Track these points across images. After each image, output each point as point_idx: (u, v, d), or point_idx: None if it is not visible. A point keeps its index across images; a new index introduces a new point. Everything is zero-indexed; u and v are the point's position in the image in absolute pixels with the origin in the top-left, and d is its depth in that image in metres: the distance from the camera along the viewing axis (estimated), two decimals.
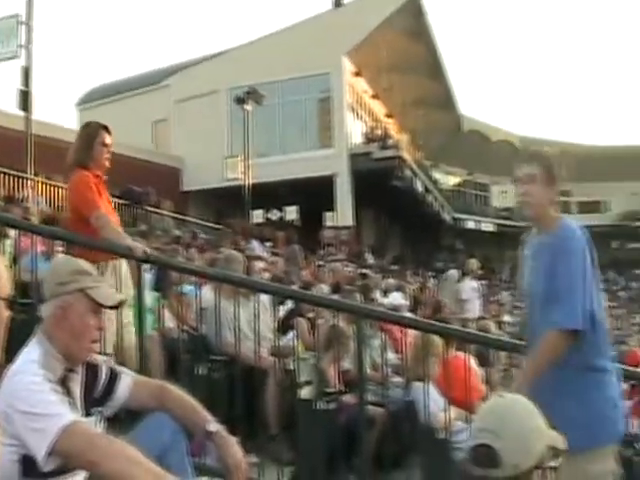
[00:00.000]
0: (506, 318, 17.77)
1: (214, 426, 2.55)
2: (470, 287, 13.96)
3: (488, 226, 46.15)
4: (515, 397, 2.03)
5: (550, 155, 3.47)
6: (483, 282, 14.43)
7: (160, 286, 6.05)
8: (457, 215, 43.83)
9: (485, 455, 1.85)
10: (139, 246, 4.90)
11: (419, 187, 31.73)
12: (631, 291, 55.23)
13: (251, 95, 23.55)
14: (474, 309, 13.76)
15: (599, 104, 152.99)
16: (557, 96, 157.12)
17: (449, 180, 50.51)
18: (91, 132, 4.95)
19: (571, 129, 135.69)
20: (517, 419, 1.91)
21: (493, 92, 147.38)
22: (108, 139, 4.93)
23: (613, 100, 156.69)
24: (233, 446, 2.52)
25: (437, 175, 43.69)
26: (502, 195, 56.61)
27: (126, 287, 4.74)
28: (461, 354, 4.99)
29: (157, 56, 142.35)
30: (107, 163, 4.94)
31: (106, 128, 4.96)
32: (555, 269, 3.13)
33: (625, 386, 6.46)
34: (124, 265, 4.84)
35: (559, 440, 1.95)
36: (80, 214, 4.78)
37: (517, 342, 4.19)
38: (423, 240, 41.04)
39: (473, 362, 5.32)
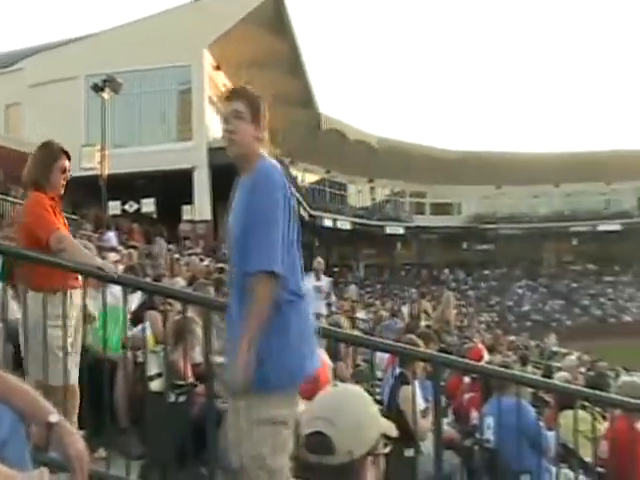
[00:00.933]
0: (360, 315, 18.10)
1: (55, 417, 2.48)
2: (313, 286, 13.94)
3: (345, 224, 47.00)
4: (349, 387, 2.08)
5: (255, 92, 3.43)
6: (330, 280, 14.47)
7: (5, 276, 5.80)
8: (314, 213, 44.32)
9: (319, 442, 1.88)
10: (110, 265, 4.71)
11: None
12: (479, 291, 57.54)
13: (109, 83, 22.97)
14: (318, 308, 13.82)
15: (454, 110, 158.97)
16: (415, 99, 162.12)
17: (307, 178, 51.08)
18: (50, 154, 4.63)
19: (427, 133, 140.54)
20: (351, 408, 1.94)
21: (352, 92, 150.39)
22: (67, 164, 4.64)
23: (467, 106, 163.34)
24: (73, 436, 2.45)
25: (295, 172, 44.04)
26: (359, 194, 57.86)
27: None
28: None
29: (11, 38, 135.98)
30: (63, 188, 4.63)
31: (66, 153, 4.69)
32: (252, 203, 3.02)
33: (467, 379, 6.78)
34: None
35: (391, 428, 2.02)
36: (35, 237, 4.38)
37: (368, 337, 4.31)
38: None
39: (325, 356, 5.41)
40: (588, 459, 5.36)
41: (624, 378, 6.95)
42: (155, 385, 5.12)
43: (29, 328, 4.26)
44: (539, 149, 77.55)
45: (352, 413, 1.93)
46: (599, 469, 5.32)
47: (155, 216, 27.73)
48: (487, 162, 57.16)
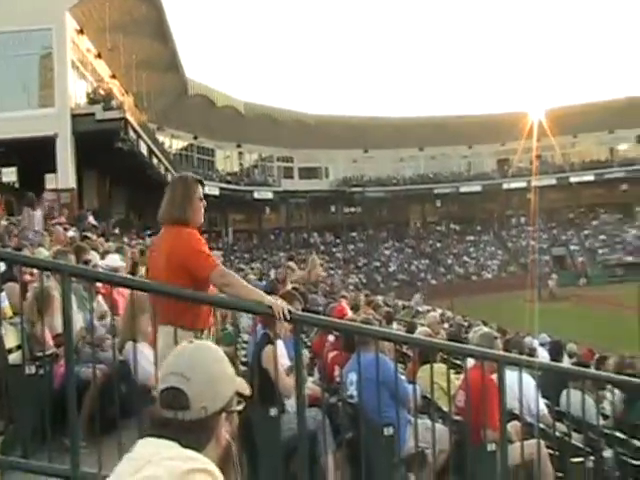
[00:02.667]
0: None
1: None
2: None
3: (213, 190, 46.60)
4: (205, 343, 2.11)
5: None
6: None
7: None
8: None
9: (174, 397, 1.90)
10: (281, 304, 4.36)
11: (144, 150, 31.22)
12: (347, 253, 58.49)
13: None
14: None
15: (322, 73, 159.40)
16: (282, 63, 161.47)
17: (175, 144, 50.30)
18: (188, 188, 4.41)
19: (295, 97, 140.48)
20: (205, 364, 1.97)
21: (219, 57, 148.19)
22: (202, 192, 4.45)
23: (336, 69, 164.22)
24: None
25: (162, 138, 43.26)
26: (226, 159, 57.46)
27: None
28: None
29: None
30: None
31: (201, 181, 4.50)
32: None
33: (331, 338, 6.94)
34: None
35: (245, 387, 2.07)
36: (189, 273, 4.15)
37: (231, 299, 4.31)
38: (149, 203, 40.42)
39: None
40: (446, 409, 5.64)
41: (477, 329, 7.29)
42: (14, 358, 4.98)
43: None
44: (404, 113, 79.27)
45: (206, 369, 1.95)
46: (456, 417, 5.62)
47: (17, 185, 26.65)
48: (354, 126, 57.95)
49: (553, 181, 63.05)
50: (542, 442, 5.37)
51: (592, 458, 5.75)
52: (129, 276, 7.44)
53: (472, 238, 61.72)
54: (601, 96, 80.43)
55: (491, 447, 4.83)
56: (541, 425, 5.91)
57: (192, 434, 1.88)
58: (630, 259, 55.24)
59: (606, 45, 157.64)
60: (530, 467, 5.22)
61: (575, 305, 40.27)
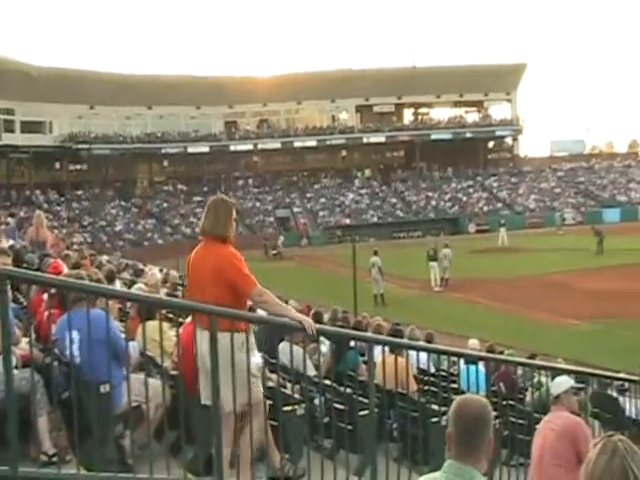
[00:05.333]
0: None
1: None
2: None
3: None
4: None
5: None
6: None
7: None
8: None
9: None
10: (309, 320, 5.15)
11: None
12: (72, 212, 56.38)
13: None
14: None
15: (48, 24, 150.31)
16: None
17: None
18: (229, 208, 5.28)
19: (20, 47, 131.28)
20: None
21: None
22: None
23: (64, 22, 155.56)
24: None
25: None
26: None
27: None
28: None
29: None
30: None
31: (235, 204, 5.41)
32: None
33: (45, 296, 6.65)
34: None
35: None
36: (234, 288, 4.90)
37: None
38: None
39: None
40: (166, 364, 5.68)
41: None
42: None
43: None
44: (132, 71, 77.30)
45: None
46: (173, 372, 5.69)
47: None
48: (79, 81, 55.60)
49: (278, 145, 65.04)
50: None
51: (303, 406, 6.10)
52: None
53: (199, 199, 61.95)
54: (324, 66, 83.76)
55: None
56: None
57: None
58: (348, 222, 58.67)
59: (332, 18, 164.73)
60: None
61: (298, 264, 42.05)
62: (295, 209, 61.88)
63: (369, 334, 8.94)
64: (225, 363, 4.66)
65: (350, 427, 5.97)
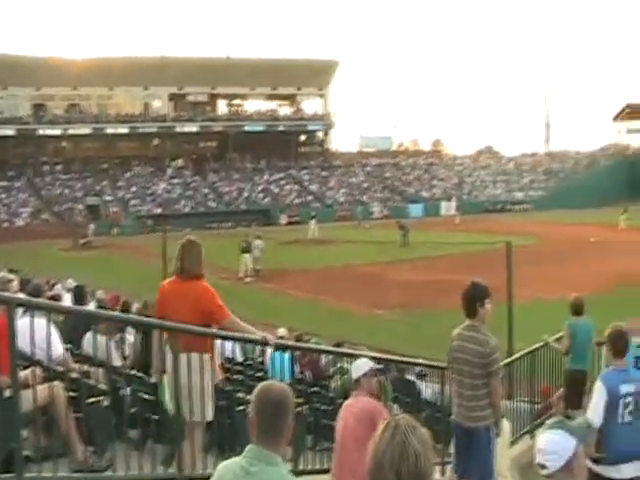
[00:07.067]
0: None
1: None
2: None
3: None
4: None
5: None
6: None
7: None
8: None
9: None
10: (269, 335, 6.36)
11: None
12: None
13: None
14: None
15: None
16: None
17: None
18: (200, 248, 6.05)
19: None
20: None
21: None
22: None
23: None
24: None
25: None
26: None
27: None
28: None
29: None
30: None
31: None
32: None
33: None
34: None
35: None
36: (210, 317, 5.82)
37: None
38: None
39: None
40: None
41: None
42: None
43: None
44: None
45: None
46: None
47: None
48: None
49: (89, 130, 62.97)
50: (60, 385, 5.47)
51: (109, 397, 6.04)
52: None
53: (4, 184, 58.77)
54: (138, 52, 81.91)
55: (6, 393, 4.79)
56: (60, 368, 6.03)
57: None
58: (159, 211, 57.78)
59: (148, 3, 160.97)
60: (50, 411, 5.31)
61: (108, 254, 40.96)
62: (106, 197, 60.10)
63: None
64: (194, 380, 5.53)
65: (157, 417, 5.99)
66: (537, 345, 10.26)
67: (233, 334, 6.22)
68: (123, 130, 64.29)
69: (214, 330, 5.92)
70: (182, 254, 5.98)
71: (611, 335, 6.17)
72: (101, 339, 6.43)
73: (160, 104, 68.41)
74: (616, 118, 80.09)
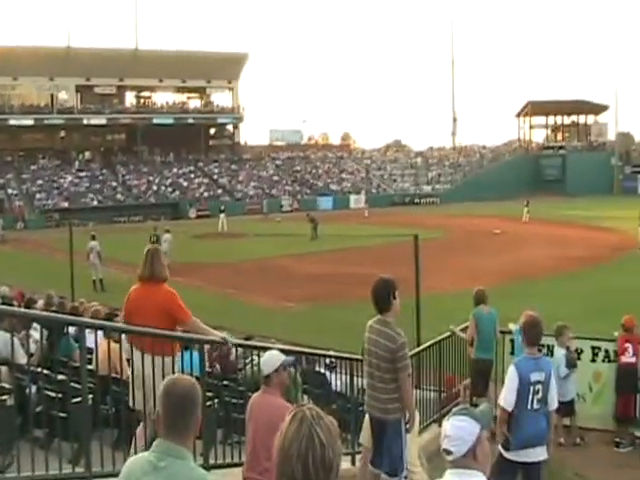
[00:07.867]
0: None
1: None
2: None
3: None
4: None
5: None
6: None
7: None
8: None
9: None
10: (227, 337, 7.02)
11: None
12: None
13: None
14: None
15: None
16: None
17: None
18: (161, 254, 6.60)
19: None
20: None
21: None
22: None
23: None
24: None
25: None
26: None
27: None
28: None
29: None
30: None
31: None
32: None
33: None
34: None
35: None
36: (173, 319, 6.27)
37: None
38: None
39: None
40: None
41: None
42: None
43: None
44: None
45: None
46: None
47: None
48: None
49: None
50: None
51: (13, 396, 5.91)
52: None
53: None
54: (43, 41, 79.54)
55: None
56: None
57: None
58: (66, 205, 56.39)
59: None
60: None
61: (12, 249, 39.82)
62: (10, 190, 58.14)
63: (84, 319, 8.80)
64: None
65: (64, 415, 5.89)
66: (444, 335, 10.52)
67: (191, 336, 6.59)
68: (28, 122, 62.37)
69: (155, 330, 6.11)
70: (151, 260, 6.37)
71: (525, 324, 6.36)
72: (5, 336, 6.28)
73: (67, 96, 66.63)
74: (519, 114, 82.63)
